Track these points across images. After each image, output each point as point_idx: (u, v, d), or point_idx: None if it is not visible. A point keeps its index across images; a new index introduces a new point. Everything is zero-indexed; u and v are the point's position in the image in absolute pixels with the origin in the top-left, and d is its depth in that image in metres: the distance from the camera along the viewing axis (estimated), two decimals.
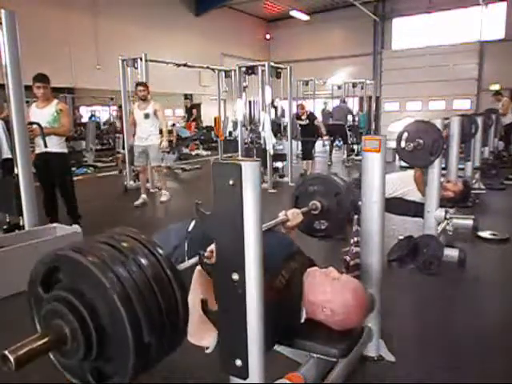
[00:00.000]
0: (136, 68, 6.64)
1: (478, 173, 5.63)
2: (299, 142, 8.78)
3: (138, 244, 0.91)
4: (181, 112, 15.60)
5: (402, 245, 3.10)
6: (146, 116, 5.46)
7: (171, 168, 8.91)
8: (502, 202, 5.58)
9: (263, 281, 1.01)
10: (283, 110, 9.15)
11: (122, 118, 7.21)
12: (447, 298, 2.69)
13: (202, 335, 1.24)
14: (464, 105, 14.69)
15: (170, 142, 9.50)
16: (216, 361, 1.09)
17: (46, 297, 0.90)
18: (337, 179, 2.07)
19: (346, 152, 9.92)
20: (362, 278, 1.90)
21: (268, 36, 18.96)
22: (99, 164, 9.62)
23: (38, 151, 3.96)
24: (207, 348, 1.25)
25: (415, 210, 3.43)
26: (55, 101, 4.07)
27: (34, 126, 3.67)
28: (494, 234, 3.83)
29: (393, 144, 3.32)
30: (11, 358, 0.78)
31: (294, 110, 8.47)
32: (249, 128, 7.64)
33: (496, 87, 13.44)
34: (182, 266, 1.18)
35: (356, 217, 2.06)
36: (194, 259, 1.22)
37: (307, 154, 8.09)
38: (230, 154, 8.82)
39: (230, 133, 9.75)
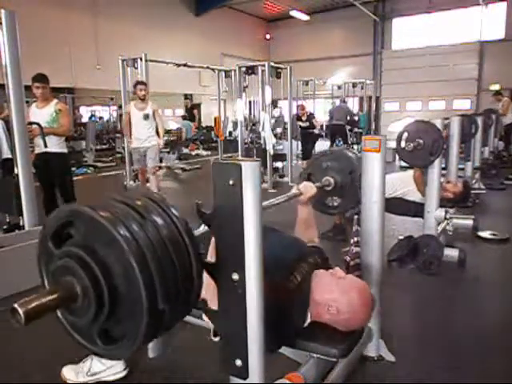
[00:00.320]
0: (136, 68, 6.64)
1: (478, 173, 5.63)
2: (299, 142, 8.79)
3: (155, 205, 0.88)
4: (181, 112, 15.60)
5: (402, 245, 3.10)
6: (146, 117, 5.33)
7: (171, 168, 8.91)
8: (502, 202, 5.58)
9: (263, 281, 1.01)
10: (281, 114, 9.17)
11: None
12: (447, 298, 2.69)
13: None
14: (464, 105, 14.68)
15: (172, 141, 9.52)
16: (216, 361, 1.08)
17: (57, 253, 0.87)
18: (351, 154, 2.03)
19: None
20: (362, 278, 1.89)
21: (268, 36, 18.96)
22: (99, 164, 9.62)
23: (37, 151, 3.96)
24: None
25: (415, 209, 3.43)
26: (54, 101, 4.06)
27: (34, 126, 3.67)
28: (493, 234, 3.83)
29: (393, 144, 3.32)
30: (21, 311, 0.74)
31: (294, 110, 8.48)
32: (249, 128, 7.65)
33: (496, 87, 13.43)
34: None
35: (356, 217, 2.06)
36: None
37: (307, 154, 8.10)
38: (229, 154, 8.82)
39: (230, 133, 9.75)
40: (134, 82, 5.61)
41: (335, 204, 2.01)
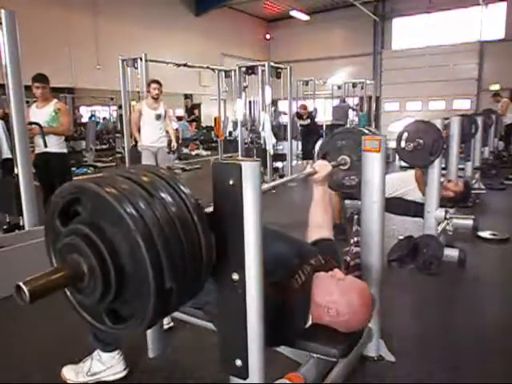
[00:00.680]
0: (136, 68, 6.64)
1: (478, 173, 5.63)
2: (299, 142, 8.78)
3: (163, 181, 0.86)
4: (181, 112, 15.60)
5: (402, 245, 3.11)
6: (158, 117, 5.20)
7: (171, 168, 8.91)
8: (502, 202, 5.58)
9: (263, 281, 1.01)
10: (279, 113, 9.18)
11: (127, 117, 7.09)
12: (447, 298, 2.69)
13: None
14: (464, 105, 14.69)
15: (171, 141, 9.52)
16: (216, 361, 1.08)
17: (64, 231, 0.86)
18: (367, 132, 2.00)
19: None
20: (363, 278, 1.89)
21: (268, 36, 18.96)
22: (99, 164, 9.62)
23: (37, 151, 3.97)
24: None
25: (415, 209, 3.44)
26: (54, 100, 4.07)
27: (34, 126, 3.67)
28: (494, 234, 3.83)
29: (393, 144, 3.32)
30: (25, 289, 0.73)
31: (295, 110, 8.48)
32: (249, 128, 7.64)
33: (496, 87, 13.44)
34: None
35: (356, 217, 2.06)
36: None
37: (308, 153, 8.09)
38: (230, 154, 8.82)
39: (230, 133, 9.75)
40: (148, 81, 5.43)
41: (353, 183, 1.95)
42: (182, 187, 0.87)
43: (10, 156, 3.60)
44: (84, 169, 8.83)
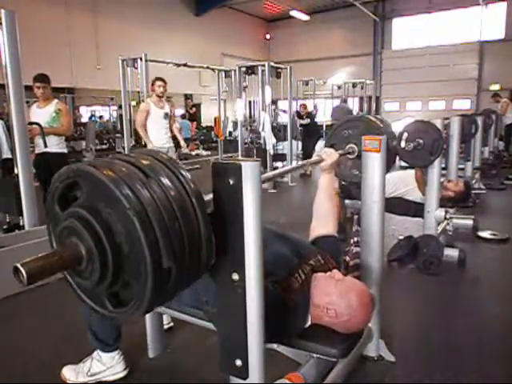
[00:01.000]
0: (136, 68, 6.64)
1: (478, 173, 5.63)
2: (299, 142, 8.79)
3: (160, 164, 0.85)
4: (181, 112, 15.61)
5: (402, 245, 3.10)
6: (166, 116, 5.08)
7: None
8: (502, 202, 5.58)
9: (263, 281, 1.01)
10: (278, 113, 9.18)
11: (130, 117, 7.07)
12: (447, 298, 2.69)
13: None
14: (464, 105, 14.71)
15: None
16: (216, 361, 1.08)
17: (63, 215, 0.87)
18: (373, 118, 1.97)
19: None
20: (362, 277, 1.89)
21: (268, 36, 18.97)
22: None
23: (37, 151, 3.97)
24: None
25: (415, 209, 3.43)
26: (55, 101, 4.07)
27: (34, 126, 3.67)
28: (494, 234, 3.83)
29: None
30: (23, 270, 0.73)
31: (295, 110, 8.48)
32: (249, 128, 7.65)
33: (496, 87, 13.45)
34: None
35: (356, 217, 2.06)
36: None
37: (308, 153, 8.09)
38: (230, 154, 8.82)
39: (230, 133, 9.75)
40: (153, 78, 5.27)
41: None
42: (182, 171, 0.86)
43: (10, 156, 3.60)
44: None
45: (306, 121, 8.47)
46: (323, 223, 1.71)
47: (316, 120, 8.73)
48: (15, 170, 3.20)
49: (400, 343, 2.10)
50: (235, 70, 7.38)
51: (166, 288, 0.83)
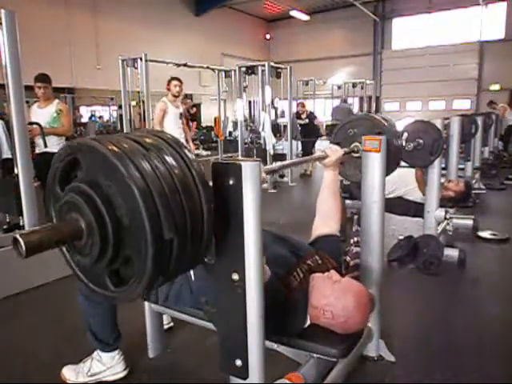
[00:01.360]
0: (136, 68, 6.64)
1: (478, 173, 5.63)
2: (299, 142, 8.79)
3: (164, 142, 0.84)
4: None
5: (402, 245, 3.10)
6: (180, 116, 5.10)
7: None
8: (502, 202, 5.58)
9: (263, 281, 1.01)
10: (283, 111, 9.17)
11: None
12: (447, 298, 2.69)
13: None
14: (464, 105, 14.72)
15: None
16: (216, 361, 1.08)
17: (62, 194, 0.86)
18: (377, 117, 1.97)
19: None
20: (362, 278, 1.90)
21: (268, 36, 18.98)
22: None
23: (37, 151, 3.97)
24: None
25: (415, 209, 3.43)
26: (56, 101, 4.07)
27: (34, 126, 3.67)
28: (494, 234, 3.83)
29: None
30: (22, 242, 0.72)
31: (294, 110, 8.47)
32: (249, 128, 7.65)
33: (496, 87, 13.46)
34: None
35: (356, 217, 2.06)
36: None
37: (307, 153, 8.10)
38: (230, 154, 8.82)
39: (230, 133, 9.74)
40: (169, 78, 5.28)
41: None
42: (184, 150, 0.86)
43: (10, 156, 3.60)
44: None
45: (305, 121, 8.48)
46: (326, 222, 1.71)
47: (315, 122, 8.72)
48: (15, 170, 3.20)
49: (400, 343, 2.10)
50: (235, 70, 7.37)
51: (168, 262, 0.81)
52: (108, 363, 1.83)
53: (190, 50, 13.31)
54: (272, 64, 6.78)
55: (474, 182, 5.27)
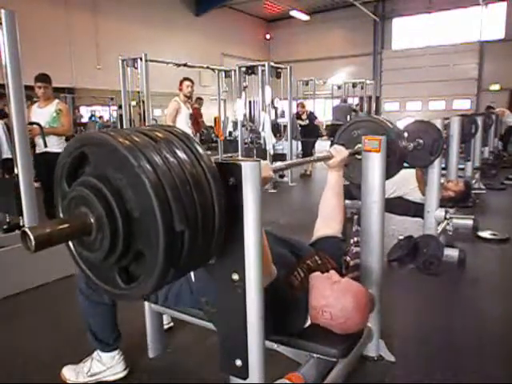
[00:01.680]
0: (136, 68, 6.63)
1: (478, 173, 5.63)
2: (299, 142, 8.79)
3: (174, 136, 0.83)
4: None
5: (402, 245, 3.10)
6: (190, 116, 5.15)
7: None
8: (502, 202, 5.58)
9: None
10: (283, 111, 9.17)
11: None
12: (447, 298, 2.69)
13: None
14: (464, 105, 14.72)
15: None
16: (216, 361, 1.08)
17: (70, 190, 0.85)
18: (381, 118, 1.97)
19: None
20: (362, 278, 1.90)
21: (268, 36, 18.98)
22: None
23: (38, 151, 3.97)
24: None
25: (415, 209, 3.44)
26: (56, 101, 4.07)
27: (34, 126, 3.67)
28: (494, 234, 3.83)
29: None
30: (31, 236, 0.70)
31: (294, 110, 8.48)
32: (249, 128, 7.64)
33: (496, 87, 13.46)
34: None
35: (356, 217, 2.06)
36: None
37: (307, 153, 8.10)
38: (230, 154, 8.82)
39: (230, 133, 9.73)
40: (181, 78, 5.32)
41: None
42: (195, 144, 0.85)
43: (10, 156, 3.60)
44: None
45: (305, 122, 8.49)
46: (328, 223, 1.71)
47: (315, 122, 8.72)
48: (15, 170, 3.20)
49: (400, 343, 2.10)
50: (235, 70, 7.37)
51: (180, 255, 0.79)
52: (108, 363, 1.83)
53: (190, 50, 13.31)
54: (272, 64, 6.78)
55: (474, 181, 5.27)
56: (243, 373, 1.03)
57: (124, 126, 6.94)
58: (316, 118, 8.81)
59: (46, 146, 3.77)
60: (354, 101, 12.68)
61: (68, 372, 1.85)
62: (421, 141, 2.97)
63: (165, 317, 2.08)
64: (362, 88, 12.37)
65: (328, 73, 16.12)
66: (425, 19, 15.63)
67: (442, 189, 3.32)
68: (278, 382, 1.42)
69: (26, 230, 0.71)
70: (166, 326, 2.15)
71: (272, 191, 6.52)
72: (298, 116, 8.50)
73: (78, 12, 10.97)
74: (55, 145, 3.96)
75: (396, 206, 3.40)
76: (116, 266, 0.83)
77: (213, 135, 11.23)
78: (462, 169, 4.91)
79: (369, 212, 1.85)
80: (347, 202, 3.74)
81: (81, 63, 10.96)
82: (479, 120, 5.23)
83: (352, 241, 2.10)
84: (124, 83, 6.78)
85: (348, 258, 2.07)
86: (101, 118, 14.64)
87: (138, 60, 6.55)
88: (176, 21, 13.75)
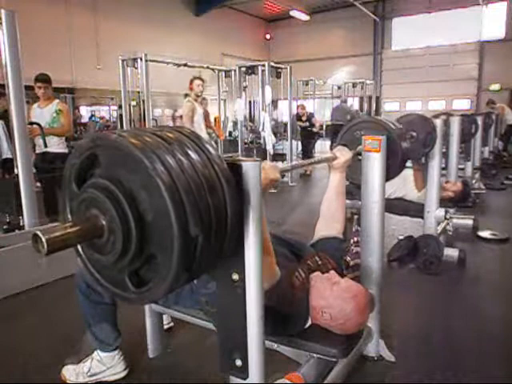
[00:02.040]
0: (136, 68, 6.64)
1: (478, 173, 5.63)
2: (299, 142, 8.79)
3: (186, 138, 0.82)
4: (180, 112, 15.61)
5: (402, 245, 3.10)
6: (204, 116, 5.15)
7: None
8: (502, 202, 5.58)
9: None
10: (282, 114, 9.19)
11: (130, 117, 7.05)
12: (447, 298, 2.69)
13: None
14: (464, 105, 14.71)
15: None
16: (216, 361, 1.08)
17: (79, 192, 0.83)
18: (386, 121, 1.97)
19: None
20: (362, 278, 1.90)
21: (268, 36, 18.97)
22: None
23: (38, 151, 3.97)
24: None
25: (415, 210, 3.43)
26: (56, 101, 4.07)
27: (34, 126, 3.67)
28: (494, 234, 3.83)
29: None
30: (43, 238, 0.69)
31: (294, 110, 8.48)
32: (249, 128, 7.65)
33: (496, 87, 13.46)
34: None
35: (356, 217, 2.06)
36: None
37: (307, 153, 8.10)
38: (230, 154, 8.82)
39: (230, 133, 9.73)
40: (191, 77, 5.31)
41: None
42: (207, 145, 0.84)
43: (10, 156, 3.60)
44: None
45: (306, 123, 8.50)
46: (329, 224, 1.71)
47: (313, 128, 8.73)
48: (15, 170, 3.20)
49: (400, 343, 2.10)
50: (235, 70, 7.38)
51: (193, 259, 0.78)
52: (108, 363, 1.83)
53: (190, 50, 13.30)
54: (272, 64, 6.79)
55: (473, 181, 5.27)
56: (243, 373, 1.03)
57: (124, 126, 6.94)
58: (313, 116, 8.82)
59: (45, 146, 3.77)
60: (353, 101, 12.68)
61: (68, 372, 1.85)
62: (414, 133, 2.95)
63: (165, 317, 2.08)
64: (362, 88, 12.38)
65: (328, 73, 16.11)
66: (425, 19, 15.61)
67: (441, 190, 3.31)
68: (278, 382, 1.42)
69: (38, 233, 0.70)
70: (166, 326, 2.15)
71: (272, 191, 6.51)
72: (299, 117, 8.52)
73: (78, 12, 10.97)
74: (55, 145, 3.97)
75: (396, 206, 3.40)
76: (126, 269, 0.82)
77: (213, 135, 11.21)
78: (462, 169, 4.91)
79: (369, 212, 1.85)
80: (347, 201, 3.74)
81: (81, 63, 10.96)
82: (479, 120, 5.23)
83: (352, 241, 2.10)
84: (124, 83, 6.78)
85: (348, 258, 2.08)
86: (102, 118, 14.62)
87: (138, 60, 6.55)
88: (176, 21, 13.75)
